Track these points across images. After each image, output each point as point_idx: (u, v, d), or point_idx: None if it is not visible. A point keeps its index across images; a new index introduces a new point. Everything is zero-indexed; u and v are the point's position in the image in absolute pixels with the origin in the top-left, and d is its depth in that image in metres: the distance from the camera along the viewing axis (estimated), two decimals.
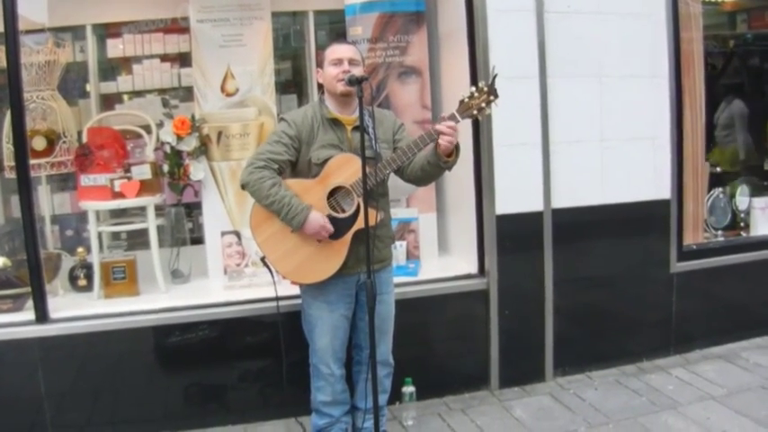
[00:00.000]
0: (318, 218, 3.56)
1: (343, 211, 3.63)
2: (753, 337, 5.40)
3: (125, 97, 5.37)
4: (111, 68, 5.32)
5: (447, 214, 5.32)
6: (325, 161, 3.63)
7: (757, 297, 5.38)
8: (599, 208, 4.83)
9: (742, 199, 5.73)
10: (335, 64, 3.66)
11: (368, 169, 3.41)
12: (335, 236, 3.63)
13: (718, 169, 5.81)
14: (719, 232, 5.64)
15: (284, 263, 3.69)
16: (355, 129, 3.71)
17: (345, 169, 3.62)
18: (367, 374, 3.82)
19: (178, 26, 5.23)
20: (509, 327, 4.73)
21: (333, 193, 3.63)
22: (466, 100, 3.56)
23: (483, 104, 3.55)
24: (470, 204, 4.77)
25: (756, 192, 5.84)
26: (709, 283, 5.22)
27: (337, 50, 3.71)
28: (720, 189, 5.66)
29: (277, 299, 4.00)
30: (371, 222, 3.46)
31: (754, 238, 5.62)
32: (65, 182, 5.23)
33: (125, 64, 5.29)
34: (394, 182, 3.89)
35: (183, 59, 5.25)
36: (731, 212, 5.73)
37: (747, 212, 5.74)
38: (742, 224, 5.77)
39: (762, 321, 5.45)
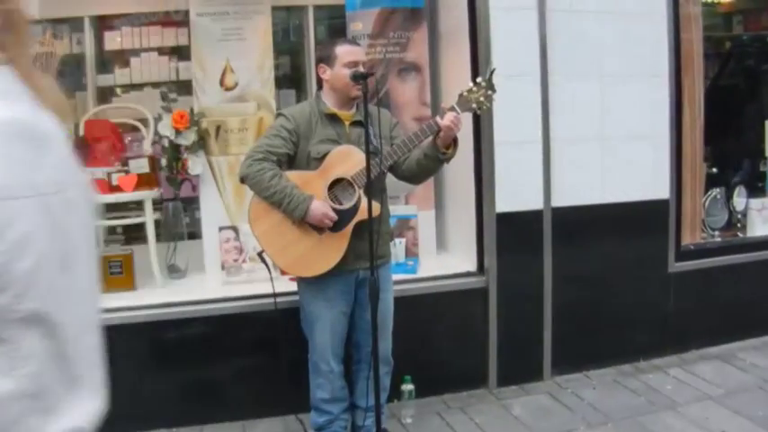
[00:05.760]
0: (321, 206, 3.54)
1: (342, 203, 3.62)
2: (748, 337, 5.40)
3: (118, 90, 5.32)
4: (108, 61, 5.27)
5: (445, 212, 5.31)
6: (325, 155, 3.62)
7: (753, 298, 5.38)
8: (598, 207, 4.82)
9: (739, 200, 5.75)
10: (351, 67, 3.62)
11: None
12: (336, 228, 3.61)
13: (714, 170, 5.80)
14: (716, 233, 5.65)
15: (283, 256, 3.66)
16: (353, 124, 3.72)
17: (346, 161, 3.61)
18: (369, 372, 3.80)
19: (176, 19, 5.19)
20: (508, 325, 4.72)
21: (332, 185, 3.62)
22: (465, 94, 3.60)
23: (482, 98, 3.58)
24: (470, 202, 4.76)
25: (753, 193, 5.85)
26: (705, 284, 5.23)
27: (353, 52, 3.69)
28: (718, 189, 5.67)
29: (274, 295, 3.95)
30: (375, 214, 3.45)
31: (751, 238, 5.63)
32: None
33: (122, 57, 5.24)
34: (393, 179, 3.88)
35: (181, 53, 5.21)
36: (728, 213, 5.74)
37: (744, 213, 5.76)
38: (739, 225, 5.79)
39: (757, 322, 5.45)
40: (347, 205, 3.61)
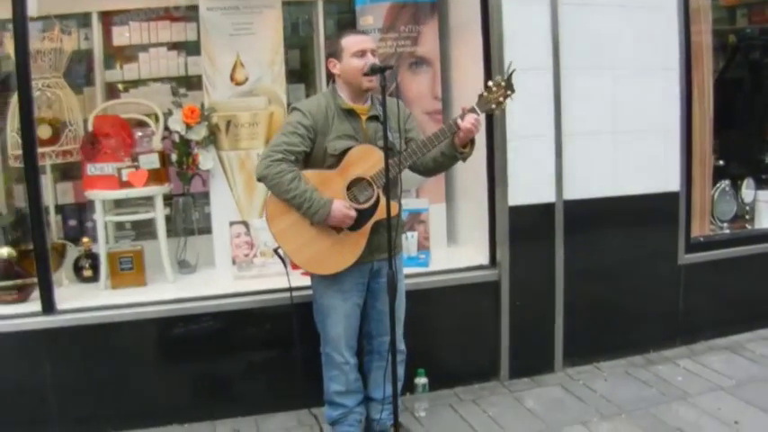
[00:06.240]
0: (341, 207, 3.53)
1: (361, 202, 3.61)
2: (757, 328, 5.44)
3: (120, 86, 5.27)
4: (116, 56, 5.23)
5: (456, 205, 5.32)
6: (343, 152, 3.60)
7: (762, 289, 5.42)
8: (610, 200, 4.83)
9: (748, 192, 5.78)
10: (359, 56, 3.60)
11: (389, 161, 3.40)
12: (355, 227, 3.61)
13: (721, 162, 5.82)
14: (725, 224, 5.67)
15: (302, 254, 3.65)
16: (369, 119, 3.70)
17: (366, 160, 3.60)
18: (381, 363, 3.87)
19: (186, 14, 5.16)
20: (519, 318, 4.72)
21: (351, 184, 3.61)
22: (485, 94, 3.61)
23: (501, 99, 3.61)
24: (482, 195, 4.76)
25: (759, 185, 5.88)
26: (714, 276, 5.24)
27: (360, 41, 3.66)
28: (727, 181, 5.70)
29: (290, 289, 3.95)
30: (393, 213, 3.44)
31: (760, 230, 5.66)
32: (67, 171, 5.14)
33: (131, 52, 5.20)
34: (404, 173, 3.86)
35: (190, 48, 5.18)
36: (736, 205, 5.76)
37: (752, 205, 5.79)
38: (747, 217, 5.82)
39: (765, 313, 5.48)
40: (366, 205, 3.61)
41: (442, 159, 3.71)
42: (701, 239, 5.33)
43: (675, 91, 4.95)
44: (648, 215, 4.96)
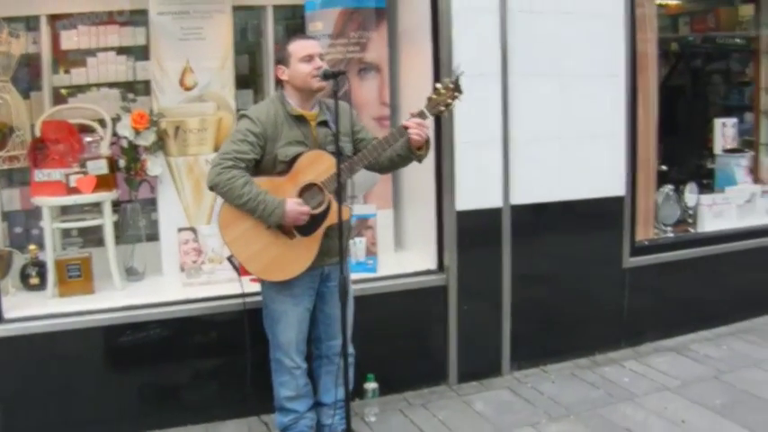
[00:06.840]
0: (295, 206, 3.54)
1: (313, 208, 3.62)
2: (700, 329, 5.58)
3: (64, 92, 5.19)
4: (64, 61, 5.15)
5: (404, 210, 5.35)
6: (293, 158, 3.62)
7: (704, 291, 5.56)
8: (556, 204, 4.92)
9: (690, 196, 5.89)
10: (307, 61, 3.62)
11: (341, 165, 3.45)
12: (307, 232, 3.62)
13: (664, 167, 5.92)
14: (668, 228, 5.77)
15: (255, 262, 3.65)
16: (319, 124, 3.73)
17: (316, 166, 3.62)
18: (331, 367, 3.94)
19: (135, 18, 5.11)
20: (467, 322, 4.77)
21: (302, 191, 3.62)
22: (434, 96, 3.67)
23: (449, 100, 3.67)
24: (430, 200, 4.80)
25: (701, 190, 6.01)
26: (659, 278, 5.36)
27: (307, 46, 3.68)
28: (670, 186, 5.81)
29: (243, 295, 3.96)
30: (345, 217, 3.48)
31: (702, 234, 5.77)
32: (13, 177, 5.06)
33: (79, 56, 5.13)
34: (354, 176, 3.89)
35: (139, 53, 5.13)
36: (679, 209, 5.87)
37: (695, 209, 5.89)
38: (690, 221, 5.93)
39: (708, 315, 5.63)
40: (318, 210, 3.62)
41: (398, 160, 3.79)
42: (646, 243, 5.44)
43: (621, 97, 5.06)
44: (594, 219, 5.05)
